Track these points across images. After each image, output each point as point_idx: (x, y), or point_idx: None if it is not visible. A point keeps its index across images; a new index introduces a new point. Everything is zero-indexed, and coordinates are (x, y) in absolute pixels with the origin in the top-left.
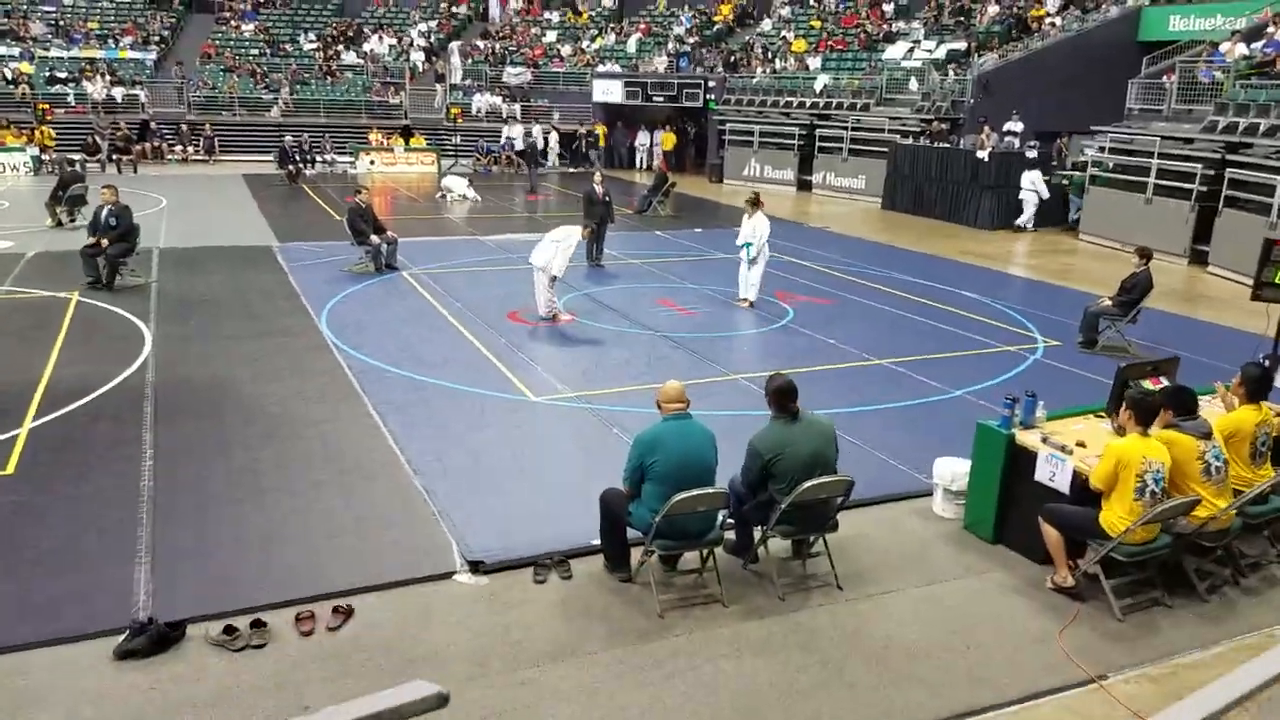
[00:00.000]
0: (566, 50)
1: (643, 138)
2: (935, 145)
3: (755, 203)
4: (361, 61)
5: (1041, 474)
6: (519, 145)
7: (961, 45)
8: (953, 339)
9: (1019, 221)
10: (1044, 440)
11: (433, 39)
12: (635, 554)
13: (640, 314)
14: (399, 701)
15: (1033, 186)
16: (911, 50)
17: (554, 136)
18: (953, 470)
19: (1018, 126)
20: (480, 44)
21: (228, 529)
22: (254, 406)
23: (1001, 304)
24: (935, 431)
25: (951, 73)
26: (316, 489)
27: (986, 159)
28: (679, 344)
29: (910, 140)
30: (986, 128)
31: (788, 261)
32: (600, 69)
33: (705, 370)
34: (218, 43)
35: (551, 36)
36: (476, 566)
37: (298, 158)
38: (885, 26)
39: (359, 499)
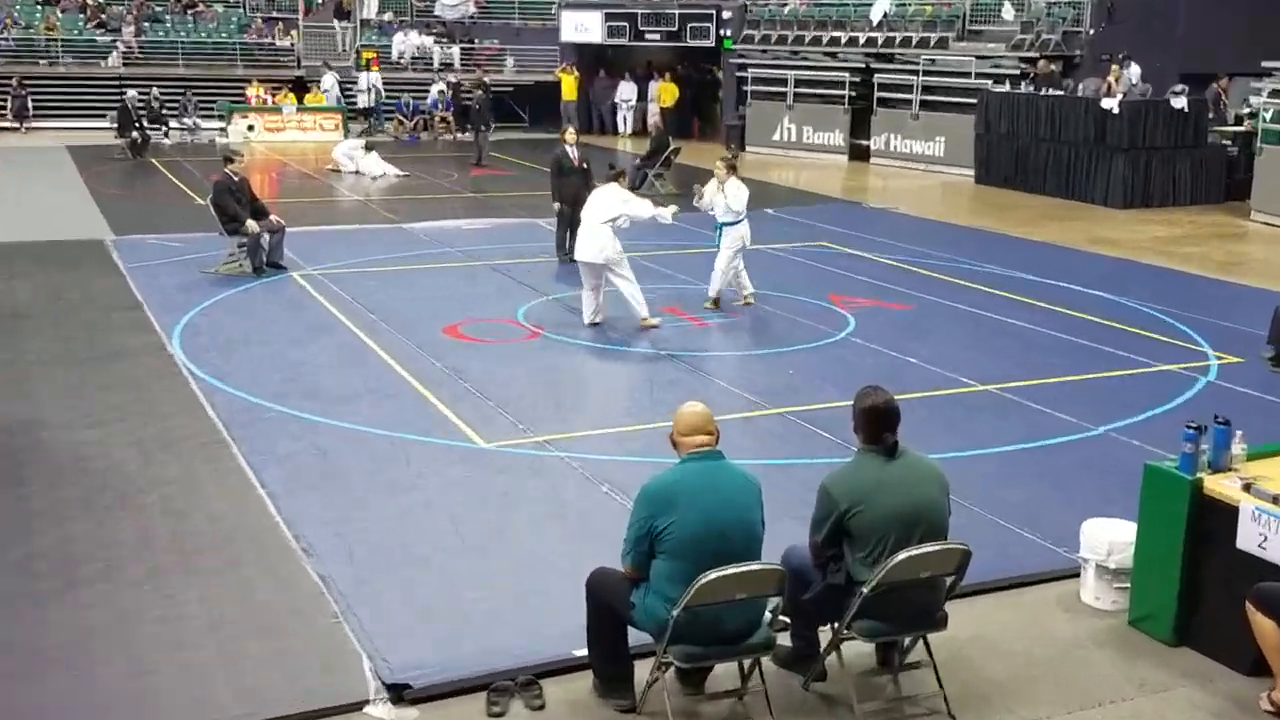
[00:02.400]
0: None
1: (626, 90)
2: (1043, 94)
3: (733, 166)
4: None
5: (1246, 538)
6: (431, 101)
7: None
8: (1087, 356)
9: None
10: (1247, 488)
11: None
12: (642, 669)
13: (635, 325)
14: None
15: None
16: None
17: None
18: (1108, 539)
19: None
20: None
21: (23, 642)
22: (69, 462)
23: (1152, 307)
24: (1076, 484)
25: None
26: (157, 581)
27: (1116, 110)
28: (693, 366)
29: (1007, 87)
30: (1115, 67)
31: (841, 254)
32: None
33: (732, 402)
34: None
35: None
36: (399, 692)
37: (145, 122)
38: None
39: (221, 594)
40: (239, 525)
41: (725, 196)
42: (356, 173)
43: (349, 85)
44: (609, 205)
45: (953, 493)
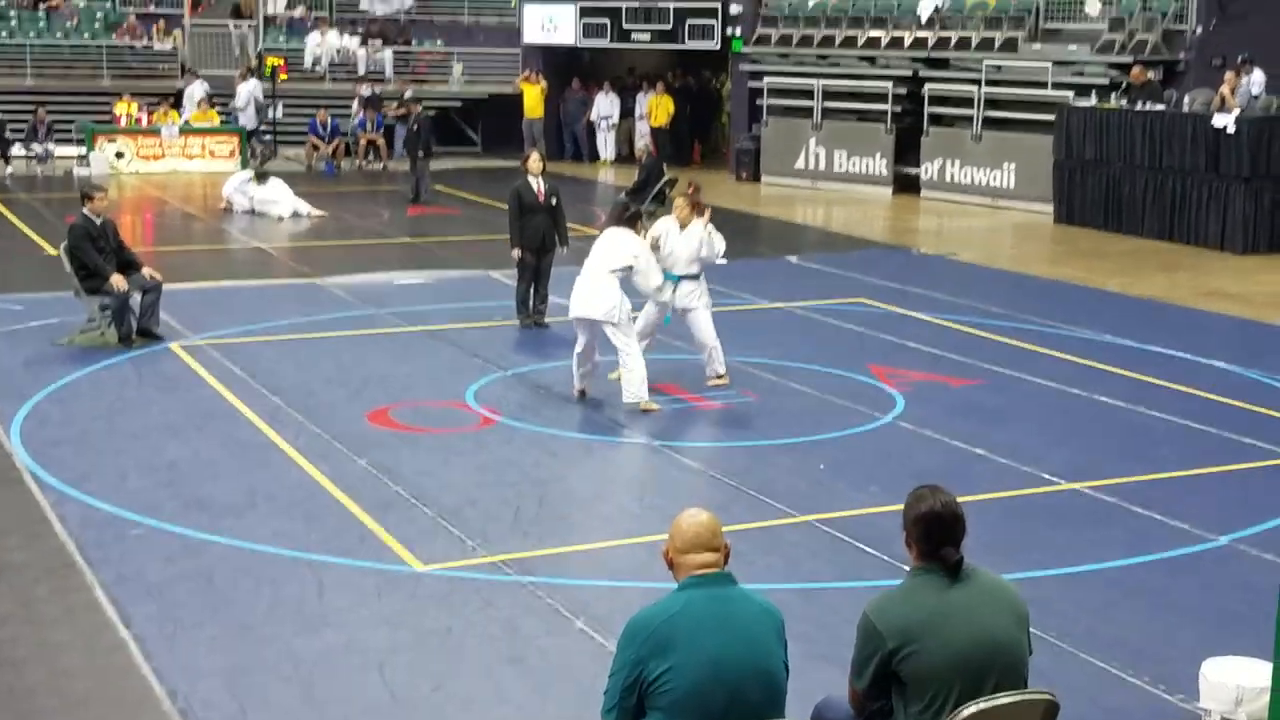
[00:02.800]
0: None
1: (605, 105)
2: (1139, 108)
3: (698, 205)
4: None
5: None
6: (357, 121)
7: None
8: (1205, 445)
9: None
10: None
11: None
12: None
13: (619, 407)
14: None
15: None
16: None
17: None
18: (1236, 683)
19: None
20: None
21: None
22: None
23: None
24: (1193, 611)
25: None
26: None
27: (1233, 129)
28: (698, 461)
29: (1093, 101)
30: (1230, 74)
31: (885, 314)
32: None
33: (745, 509)
34: None
35: None
36: None
37: None
38: None
39: None
40: (95, 681)
41: (703, 241)
42: (253, 212)
43: (225, 99)
44: (620, 253)
45: (1033, 624)
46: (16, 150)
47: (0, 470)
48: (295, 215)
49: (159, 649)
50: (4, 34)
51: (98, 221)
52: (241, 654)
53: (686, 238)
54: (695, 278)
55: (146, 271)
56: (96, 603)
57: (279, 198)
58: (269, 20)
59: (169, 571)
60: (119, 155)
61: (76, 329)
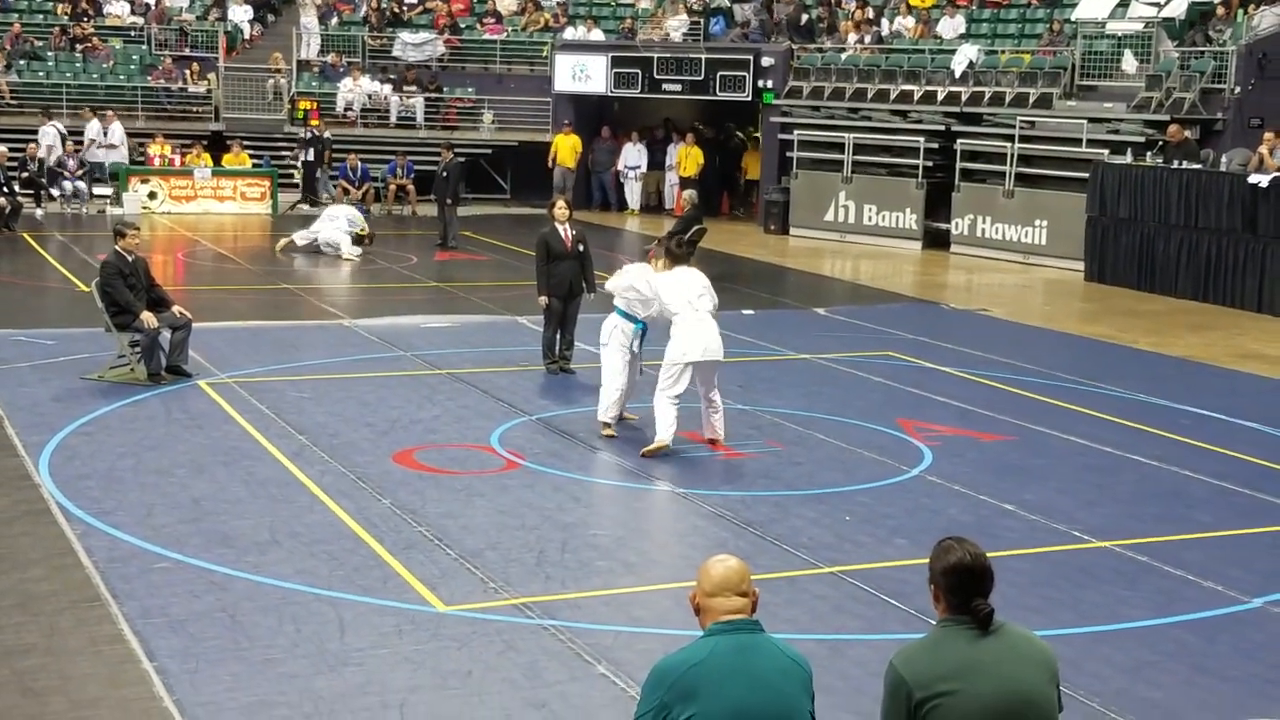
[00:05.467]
0: (508, 3)
1: (633, 155)
2: (1175, 167)
3: (677, 255)
4: (139, 20)
5: None
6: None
7: None
8: (1240, 505)
9: None
10: None
11: None
12: None
13: (641, 453)
14: None
15: None
16: (1125, 3)
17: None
18: None
19: None
20: None
21: None
22: None
23: None
24: (1226, 673)
25: (1200, 40)
26: None
27: (1265, 185)
28: (723, 510)
29: (1128, 159)
30: (1269, 135)
31: (914, 368)
32: (569, 36)
33: (771, 558)
34: None
35: None
36: None
37: (16, 186)
38: None
39: None
40: (117, 713)
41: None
42: (345, 255)
43: (253, 141)
44: (702, 283)
45: (1064, 682)
46: (50, 190)
47: (28, 502)
48: (344, 257)
49: (181, 683)
50: (41, 74)
51: (130, 259)
52: (263, 690)
53: (673, 280)
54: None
55: (176, 309)
56: (120, 635)
57: (345, 245)
58: (302, 65)
59: (193, 606)
60: (151, 195)
61: (106, 365)
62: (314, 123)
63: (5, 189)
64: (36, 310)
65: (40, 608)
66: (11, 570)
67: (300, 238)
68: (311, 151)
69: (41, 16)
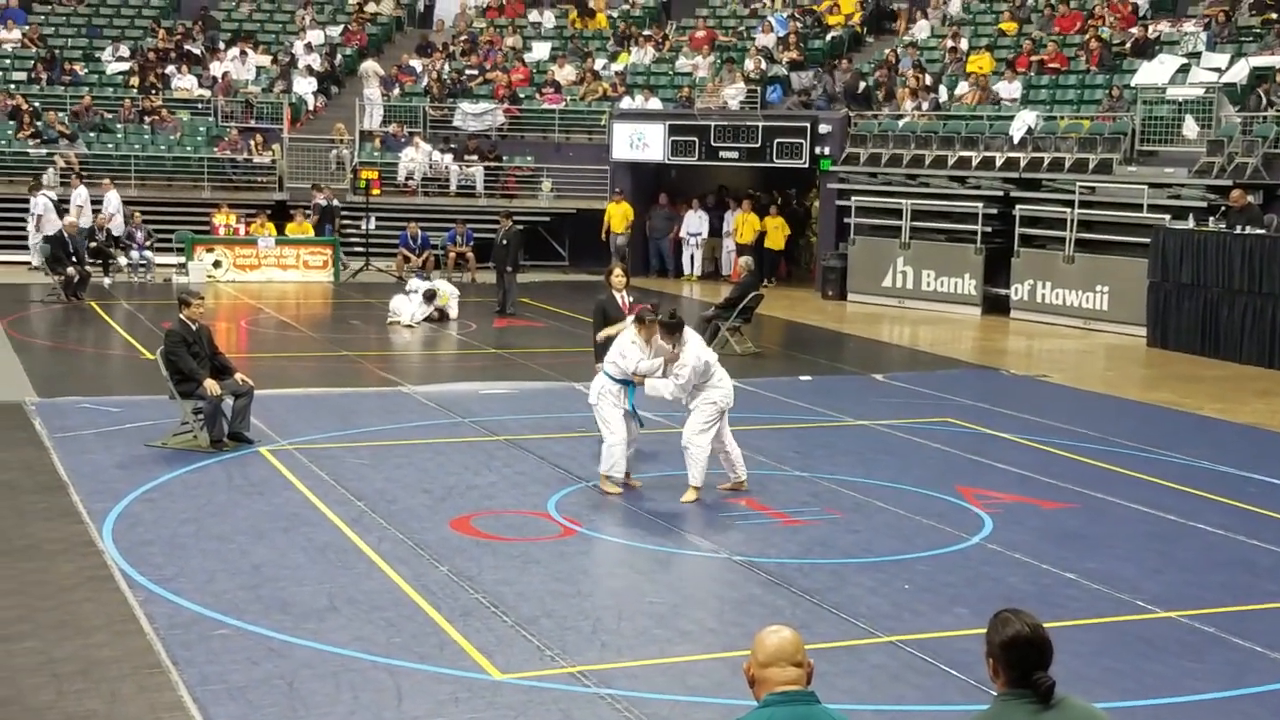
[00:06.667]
0: (567, 73)
1: (695, 222)
2: (1238, 232)
3: (668, 326)
4: (206, 93)
5: None
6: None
7: (1277, 60)
8: None
9: None
10: None
11: (333, 56)
12: None
13: (699, 521)
14: None
15: None
16: (1185, 69)
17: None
18: None
19: None
20: (416, 64)
21: None
22: None
23: None
24: None
25: (1261, 104)
26: None
27: None
28: (775, 577)
29: (1191, 224)
30: None
31: (973, 434)
32: (625, 105)
33: (828, 627)
34: None
35: (541, 51)
36: None
37: (83, 256)
38: (1136, 31)
39: None
40: None
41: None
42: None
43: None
44: (662, 362)
45: None
46: (118, 260)
47: (92, 568)
48: (407, 325)
49: None
50: (110, 145)
51: (194, 327)
52: None
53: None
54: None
55: (239, 376)
56: (180, 702)
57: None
58: (365, 135)
59: (252, 674)
60: (216, 264)
61: (170, 432)
62: (375, 192)
63: (75, 258)
64: (102, 378)
65: (102, 674)
66: (75, 636)
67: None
68: (320, 219)
69: (111, 90)
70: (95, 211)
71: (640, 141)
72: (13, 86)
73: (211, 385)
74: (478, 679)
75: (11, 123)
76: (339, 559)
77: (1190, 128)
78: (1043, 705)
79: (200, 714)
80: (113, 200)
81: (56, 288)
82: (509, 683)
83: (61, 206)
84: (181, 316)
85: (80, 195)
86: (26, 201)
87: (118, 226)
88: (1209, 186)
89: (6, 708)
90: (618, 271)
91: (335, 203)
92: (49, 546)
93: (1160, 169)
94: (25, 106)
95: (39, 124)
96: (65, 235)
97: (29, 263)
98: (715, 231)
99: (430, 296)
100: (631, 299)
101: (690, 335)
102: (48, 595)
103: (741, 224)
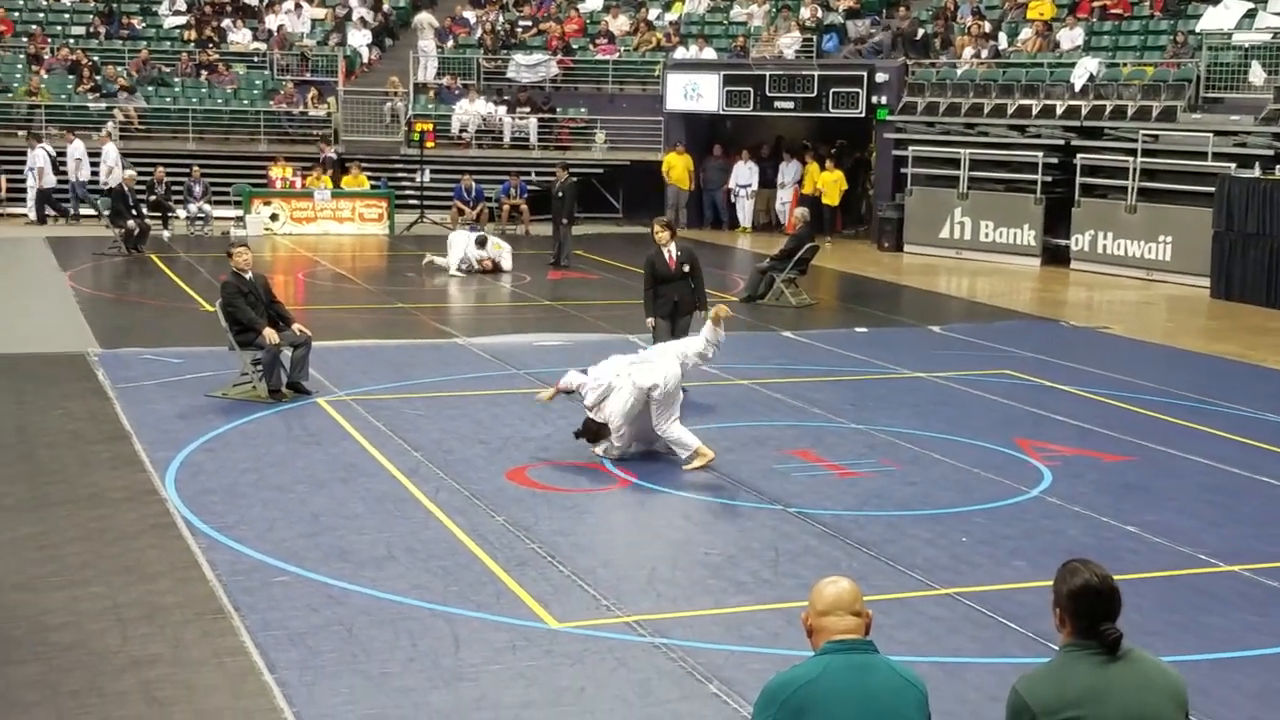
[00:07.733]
0: (621, 23)
1: (743, 173)
2: None
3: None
4: (261, 46)
5: None
6: (503, 187)
7: None
8: None
9: None
10: None
11: (387, 8)
12: None
13: (755, 473)
14: None
15: None
16: (1252, 14)
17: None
18: None
19: None
20: (469, 15)
21: None
22: (29, 633)
23: None
24: None
25: None
26: None
27: None
28: (831, 529)
29: (1256, 172)
30: None
31: (1033, 386)
32: (680, 55)
33: (885, 579)
34: (14, 17)
35: (594, 1)
36: None
37: (145, 209)
38: None
39: None
40: None
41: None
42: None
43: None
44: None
45: (1191, 710)
46: (177, 213)
47: (155, 516)
48: (445, 270)
49: (300, 695)
50: (169, 100)
51: (248, 277)
52: (378, 704)
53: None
54: None
55: (296, 327)
56: (243, 647)
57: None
58: (419, 87)
59: (312, 620)
60: (274, 218)
61: (230, 382)
62: (430, 144)
63: (135, 211)
64: (163, 329)
65: (166, 619)
66: (139, 582)
67: (440, 262)
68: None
69: (168, 44)
70: (93, 166)
71: (694, 92)
72: (72, 41)
73: (270, 334)
74: (534, 627)
75: (71, 77)
76: (396, 508)
77: (1256, 74)
78: (1109, 657)
79: (262, 658)
80: (110, 153)
81: (117, 240)
82: (565, 631)
83: (59, 160)
84: (233, 268)
85: (110, 154)
86: (96, 155)
87: (115, 179)
88: (1275, 134)
89: (74, 652)
90: (658, 228)
91: (340, 152)
92: (113, 495)
93: (1226, 116)
94: (85, 61)
95: (98, 78)
96: (125, 188)
97: (25, 216)
98: (770, 183)
99: (482, 242)
100: (679, 253)
101: (608, 362)
102: (112, 542)
103: (814, 174)
